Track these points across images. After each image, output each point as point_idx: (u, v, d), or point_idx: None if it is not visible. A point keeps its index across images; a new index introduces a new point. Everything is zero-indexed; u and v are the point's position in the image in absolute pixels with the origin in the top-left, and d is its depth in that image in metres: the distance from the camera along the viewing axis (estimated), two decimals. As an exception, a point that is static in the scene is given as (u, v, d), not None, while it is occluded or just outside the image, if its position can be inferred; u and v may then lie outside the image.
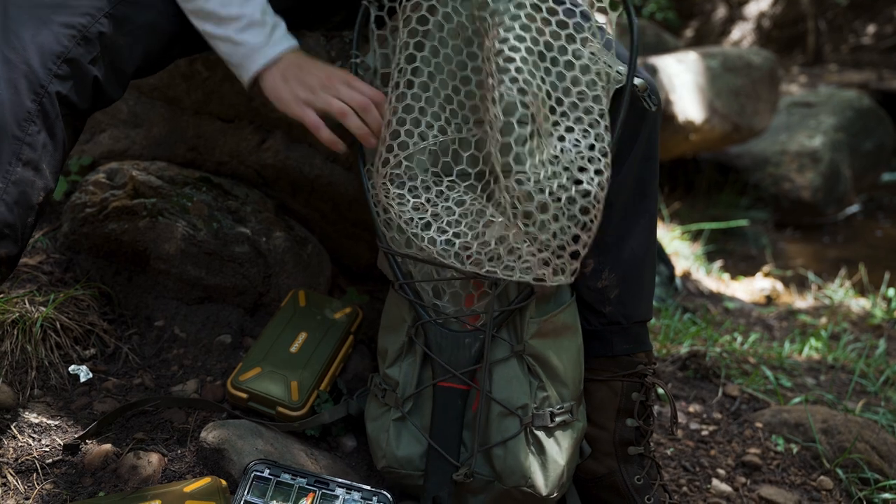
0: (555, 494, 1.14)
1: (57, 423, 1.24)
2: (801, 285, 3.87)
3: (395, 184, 1.15)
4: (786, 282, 3.92)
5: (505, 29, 1.09)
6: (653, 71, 4.36)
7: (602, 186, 1.09)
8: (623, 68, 1.15)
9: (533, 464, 1.12)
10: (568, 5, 1.13)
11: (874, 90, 7.11)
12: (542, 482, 1.12)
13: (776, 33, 9.56)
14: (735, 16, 10.02)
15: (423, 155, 1.17)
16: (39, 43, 1.02)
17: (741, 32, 9.81)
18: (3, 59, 1.01)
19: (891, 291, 3.48)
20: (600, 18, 1.20)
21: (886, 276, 3.67)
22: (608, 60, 1.14)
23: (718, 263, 3.98)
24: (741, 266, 4.30)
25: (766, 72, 5.02)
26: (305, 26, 1.46)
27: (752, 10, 9.90)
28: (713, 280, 3.70)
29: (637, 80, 1.15)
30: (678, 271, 3.39)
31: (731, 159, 5.53)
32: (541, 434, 1.13)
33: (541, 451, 1.13)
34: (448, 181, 1.18)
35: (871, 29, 9.07)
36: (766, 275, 4.00)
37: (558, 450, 1.14)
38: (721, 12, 10.14)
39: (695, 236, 4.27)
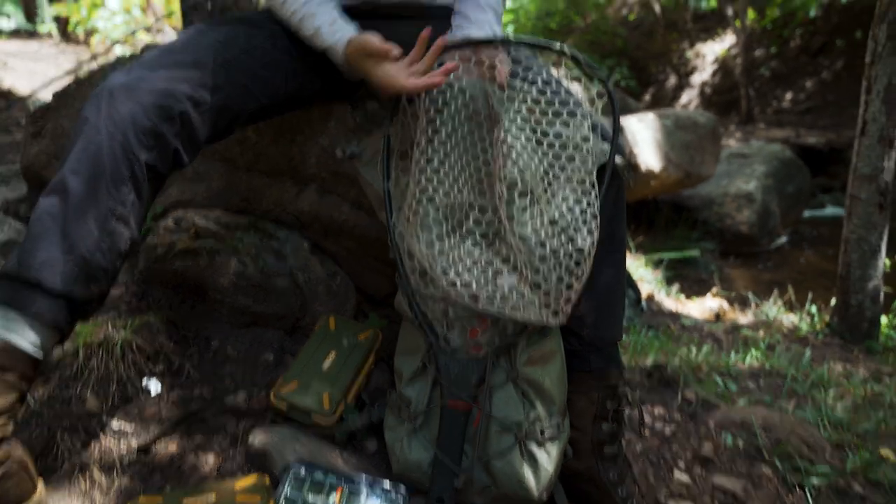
0: (545, 495, 1.10)
1: (132, 428, 1.21)
2: (743, 304, 3.82)
3: (424, 232, 1.13)
4: (731, 301, 3.87)
5: (509, 121, 1.09)
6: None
7: (593, 243, 1.07)
8: (607, 147, 1.15)
9: (527, 472, 1.08)
10: (563, 96, 1.14)
11: (793, 144, 7.16)
12: (534, 487, 1.08)
13: (716, 98, 9.59)
14: (683, 84, 10.06)
15: (444, 209, 1.14)
16: (134, 119, 1.03)
17: (689, 97, 9.84)
18: (108, 134, 1.01)
19: (813, 308, 3.43)
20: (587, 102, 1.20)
21: (810, 295, 3.63)
22: (595, 141, 1.14)
23: (676, 287, 3.93)
24: (694, 288, 4.26)
25: (709, 129, 5.01)
26: (335, 98, 1.45)
27: (696, 79, 9.94)
28: (672, 300, 3.65)
29: (618, 159, 1.15)
30: (644, 294, 3.35)
31: (684, 200, 5.51)
32: (533, 447, 1.09)
33: (533, 461, 1.09)
34: (461, 235, 1.15)
35: (788, 96, 9.12)
36: (715, 295, 3.95)
37: (547, 458, 1.10)
38: (672, 81, 10.18)
39: (656, 264, 4.23)
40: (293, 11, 1.23)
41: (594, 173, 1.12)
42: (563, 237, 1.07)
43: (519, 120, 1.12)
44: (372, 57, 1.18)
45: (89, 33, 7.25)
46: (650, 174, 4.41)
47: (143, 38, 6.60)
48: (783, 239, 5.65)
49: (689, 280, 4.49)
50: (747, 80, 8.86)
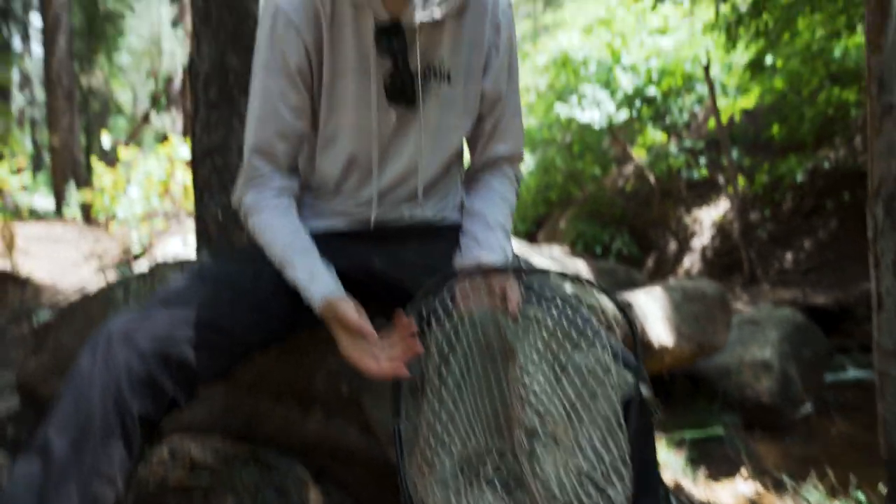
0: None
1: None
2: (779, 487, 3.54)
3: (439, 486, 1.00)
4: (764, 484, 3.59)
5: (524, 357, 1.02)
6: (628, 306, 4.31)
7: (626, 497, 0.95)
8: (630, 377, 1.05)
9: None
10: (580, 323, 1.07)
11: (802, 305, 7.10)
12: None
13: (717, 261, 9.72)
14: (684, 248, 10.26)
15: (460, 459, 1.03)
16: (129, 368, 0.97)
17: (690, 261, 9.99)
18: (101, 386, 0.95)
19: (860, 495, 3.16)
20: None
21: (852, 478, 3.36)
22: (617, 372, 1.04)
23: (703, 470, 3.67)
24: (722, 468, 3.97)
25: (717, 298, 4.97)
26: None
27: (696, 243, 10.14)
28: (701, 488, 3.38)
29: (644, 390, 1.05)
30: (669, 483, 3.11)
31: (700, 371, 5.35)
32: None
33: None
34: (479, 486, 1.03)
35: (789, 256, 9.25)
36: (746, 478, 3.68)
37: None
38: (673, 246, 10.39)
39: (678, 444, 4.00)
40: (272, 257, 1.19)
41: (620, 410, 1.02)
42: (591, 489, 0.96)
43: (535, 354, 1.04)
44: (345, 329, 1.12)
45: (110, 218, 7.57)
46: (663, 350, 4.31)
47: (159, 226, 6.86)
48: (808, 407, 5.40)
49: (716, 459, 4.20)
50: (746, 242, 9.04)
